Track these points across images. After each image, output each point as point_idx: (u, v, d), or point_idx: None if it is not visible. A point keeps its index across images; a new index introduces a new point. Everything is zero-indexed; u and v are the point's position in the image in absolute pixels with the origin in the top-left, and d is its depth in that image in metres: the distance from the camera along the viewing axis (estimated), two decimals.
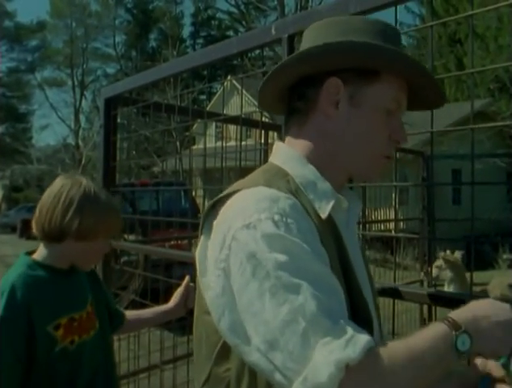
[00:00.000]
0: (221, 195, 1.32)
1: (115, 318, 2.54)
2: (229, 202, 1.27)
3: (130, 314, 2.67)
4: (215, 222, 1.28)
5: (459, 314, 1.16)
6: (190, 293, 2.62)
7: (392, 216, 9.21)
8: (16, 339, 1.97)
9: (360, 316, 1.24)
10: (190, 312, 3.24)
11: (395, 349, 1.07)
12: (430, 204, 7.95)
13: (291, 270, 1.10)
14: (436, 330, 1.12)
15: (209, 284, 1.25)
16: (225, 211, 1.26)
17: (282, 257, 1.11)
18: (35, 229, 2.16)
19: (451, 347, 1.09)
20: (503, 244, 18.15)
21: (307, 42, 1.44)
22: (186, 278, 2.69)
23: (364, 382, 1.03)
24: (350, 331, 1.05)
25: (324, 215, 1.30)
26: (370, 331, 1.17)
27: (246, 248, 1.15)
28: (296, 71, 1.41)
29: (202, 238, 1.35)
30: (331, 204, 1.32)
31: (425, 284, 7.24)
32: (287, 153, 1.43)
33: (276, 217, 1.17)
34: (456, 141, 15.43)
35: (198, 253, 1.34)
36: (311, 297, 1.07)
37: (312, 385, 1.01)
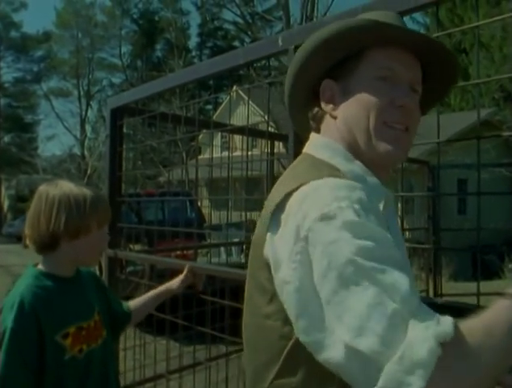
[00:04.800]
0: (287, 191, 1.27)
1: (124, 318, 2.59)
2: (298, 194, 1.24)
3: (135, 303, 2.72)
4: (283, 216, 1.25)
5: None
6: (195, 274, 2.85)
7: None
8: (27, 349, 1.98)
9: None
10: (197, 321, 3.24)
11: (473, 327, 1.07)
12: (435, 214, 7.93)
13: (376, 255, 1.09)
14: (504, 304, 1.10)
15: (285, 278, 1.19)
16: (295, 202, 1.23)
17: (366, 243, 1.09)
18: (30, 246, 2.17)
19: None
20: (509, 254, 18.08)
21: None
22: (187, 266, 2.87)
23: (461, 357, 1.01)
24: (433, 311, 1.07)
25: (381, 208, 1.33)
26: None
27: (327, 237, 1.12)
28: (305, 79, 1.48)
29: (269, 234, 1.29)
30: (383, 200, 1.35)
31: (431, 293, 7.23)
32: (330, 146, 1.42)
33: (356, 206, 1.15)
34: (462, 150, 15.39)
35: (267, 251, 1.29)
36: (399, 278, 1.06)
37: (411, 362, 0.98)
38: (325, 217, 1.14)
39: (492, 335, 1.05)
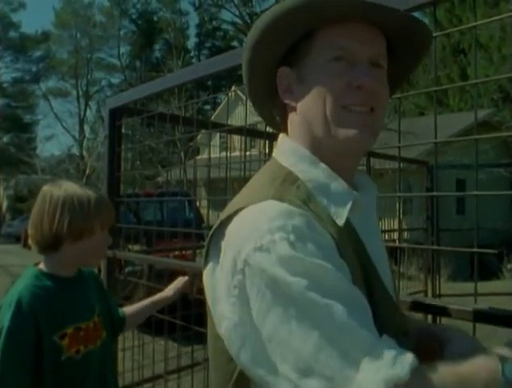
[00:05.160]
0: (228, 213, 1.21)
1: (119, 324, 2.57)
2: (237, 220, 1.17)
3: (130, 310, 2.70)
4: (223, 244, 1.18)
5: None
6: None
7: (396, 226, 9.20)
8: (24, 349, 1.98)
9: (390, 326, 1.16)
10: (195, 321, 3.24)
11: (442, 373, 1.02)
12: (434, 214, 7.94)
13: (316, 292, 1.02)
14: (483, 359, 1.08)
15: (223, 313, 1.14)
16: (233, 231, 1.17)
17: (304, 280, 1.02)
18: (32, 246, 2.17)
19: (499, 373, 1.03)
20: (508, 254, 18.08)
21: None
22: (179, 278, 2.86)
23: None
24: (393, 347, 1.01)
25: (341, 222, 1.21)
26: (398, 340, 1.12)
27: (264, 273, 1.06)
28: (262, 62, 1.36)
29: (210, 262, 1.24)
30: (348, 207, 1.23)
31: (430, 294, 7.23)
32: (296, 152, 1.31)
33: (292, 237, 1.06)
34: (460, 150, 15.42)
35: (207, 278, 1.24)
36: (345, 315, 1.00)
37: None
38: (260, 250, 1.07)
39: (462, 385, 1.02)
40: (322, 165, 1.27)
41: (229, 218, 1.20)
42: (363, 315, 1.05)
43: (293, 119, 1.35)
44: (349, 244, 1.21)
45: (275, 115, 1.45)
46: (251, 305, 1.08)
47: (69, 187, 2.16)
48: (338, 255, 1.12)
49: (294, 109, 1.33)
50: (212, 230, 1.24)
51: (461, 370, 1.04)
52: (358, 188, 1.33)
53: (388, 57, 1.33)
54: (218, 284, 1.18)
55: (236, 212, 1.18)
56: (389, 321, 1.18)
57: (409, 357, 0.99)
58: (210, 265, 1.24)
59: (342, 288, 1.06)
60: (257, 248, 1.07)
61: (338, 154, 1.28)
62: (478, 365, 1.06)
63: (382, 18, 1.24)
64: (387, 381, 0.94)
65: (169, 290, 2.80)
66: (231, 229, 1.18)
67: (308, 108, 1.29)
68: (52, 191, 2.16)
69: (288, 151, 1.33)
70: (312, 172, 1.27)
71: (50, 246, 2.13)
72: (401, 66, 1.42)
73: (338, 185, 1.25)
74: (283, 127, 1.40)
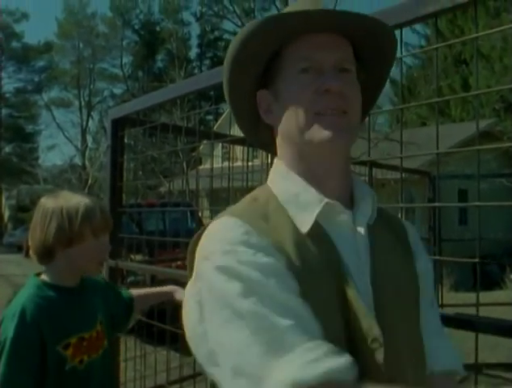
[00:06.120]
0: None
1: (130, 302, 2.66)
2: (206, 230, 1.27)
3: (135, 292, 2.77)
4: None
5: None
6: None
7: None
8: (27, 359, 1.98)
9: (355, 334, 1.16)
10: None
11: None
12: (436, 225, 7.93)
13: (247, 298, 1.08)
14: None
15: (188, 316, 1.24)
16: (200, 242, 1.26)
17: (238, 286, 1.09)
18: (32, 257, 2.20)
19: None
20: (510, 264, 18.05)
21: None
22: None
23: None
24: (321, 350, 1.01)
25: (305, 229, 1.23)
26: (366, 350, 1.14)
27: (206, 281, 1.16)
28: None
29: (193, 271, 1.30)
30: (314, 214, 1.24)
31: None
32: (275, 168, 1.39)
33: (227, 248, 1.15)
34: (463, 160, 15.41)
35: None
36: (271, 318, 1.05)
37: None
38: (204, 260, 1.18)
39: None
40: (293, 176, 1.31)
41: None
42: (296, 319, 1.07)
43: (277, 137, 1.39)
44: (316, 250, 1.22)
45: (265, 140, 1.46)
46: (203, 310, 1.17)
47: (62, 198, 2.19)
48: (283, 266, 1.15)
49: (276, 127, 1.36)
50: (195, 237, 1.33)
51: None
52: (357, 199, 1.34)
53: (360, 64, 1.35)
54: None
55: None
56: (356, 326, 1.17)
57: (331, 362, 1.00)
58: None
59: (274, 296, 1.09)
60: (203, 257, 1.19)
61: (317, 160, 1.30)
62: None
63: (341, 25, 1.26)
64: (288, 384, 0.97)
65: (178, 291, 2.80)
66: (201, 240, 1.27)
67: (284, 122, 1.31)
68: (45, 202, 2.20)
69: (272, 170, 1.40)
70: (283, 184, 1.33)
71: (44, 255, 2.15)
72: (373, 72, 1.43)
73: (308, 194, 1.28)
74: (273, 149, 1.42)
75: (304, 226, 1.24)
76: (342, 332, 1.15)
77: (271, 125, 1.39)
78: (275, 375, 0.99)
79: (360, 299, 1.18)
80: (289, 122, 1.29)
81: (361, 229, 1.30)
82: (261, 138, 1.49)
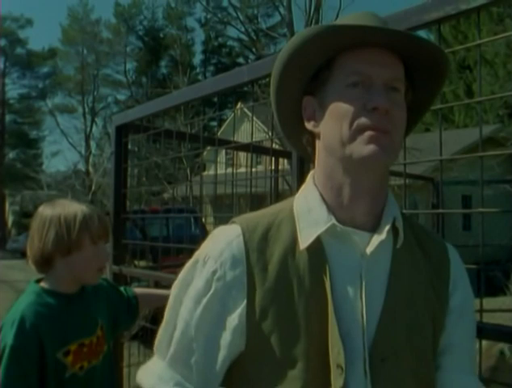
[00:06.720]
0: None
1: (134, 300, 2.66)
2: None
3: (138, 291, 2.79)
4: None
5: None
6: None
7: None
8: (27, 367, 1.97)
9: (325, 358, 1.18)
10: None
11: None
12: (440, 231, 7.91)
13: (176, 308, 1.37)
14: None
15: None
16: None
17: (177, 290, 1.38)
18: (31, 265, 2.19)
19: None
20: None
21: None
22: None
23: None
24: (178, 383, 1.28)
25: (303, 245, 1.25)
26: (328, 374, 1.16)
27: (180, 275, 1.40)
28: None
29: None
30: (317, 233, 1.26)
31: None
32: (307, 179, 1.41)
33: (202, 257, 1.33)
34: (466, 166, 15.39)
35: None
36: (171, 338, 1.39)
37: None
38: (192, 262, 1.37)
39: None
40: (314, 192, 1.35)
41: None
42: (189, 352, 1.31)
43: (318, 145, 1.39)
44: (302, 271, 1.25)
45: (306, 146, 1.46)
46: None
47: (59, 206, 2.19)
48: (243, 289, 1.26)
49: (318, 136, 1.37)
50: None
51: None
52: (382, 221, 1.31)
53: (410, 83, 1.35)
54: None
55: None
56: (326, 351, 1.20)
57: None
58: None
59: (196, 320, 1.32)
60: (196, 255, 1.38)
61: (354, 175, 1.29)
62: None
63: (396, 43, 1.26)
64: None
65: None
66: None
67: (327, 132, 1.31)
68: (43, 211, 2.20)
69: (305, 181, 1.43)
70: (302, 197, 1.37)
71: (43, 264, 2.16)
72: (422, 92, 1.43)
73: (319, 212, 1.30)
74: (313, 157, 1.42)
75: (304, 242, 1.27)
76: (306, 353, 1.21)
77: (314, 133, 1.39)
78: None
79: (336, 325, 1.19)
80: (332, 133, 1.29)
81: (373, 252, 1.27)
82: (301, 145, 1.48)
